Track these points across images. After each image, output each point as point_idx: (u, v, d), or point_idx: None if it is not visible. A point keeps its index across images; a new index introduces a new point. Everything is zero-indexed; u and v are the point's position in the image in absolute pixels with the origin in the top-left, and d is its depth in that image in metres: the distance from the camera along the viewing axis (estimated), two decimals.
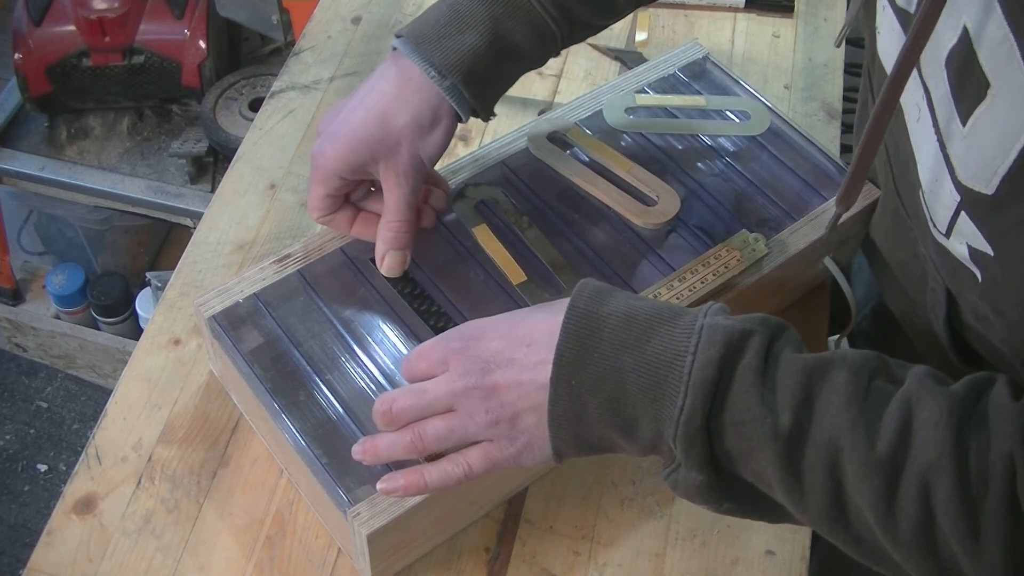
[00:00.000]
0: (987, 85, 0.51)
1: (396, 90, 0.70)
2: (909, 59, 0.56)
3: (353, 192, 0.75)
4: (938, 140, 0.58)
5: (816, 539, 0.74)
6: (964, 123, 0.54)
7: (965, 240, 0.59)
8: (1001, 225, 0.54)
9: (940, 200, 0.60)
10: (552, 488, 0.75)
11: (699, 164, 0.84)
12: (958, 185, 0.56)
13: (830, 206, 0.81)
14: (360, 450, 0.64)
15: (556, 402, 0.56)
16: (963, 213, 0.57)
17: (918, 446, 0.49)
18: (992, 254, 0.56)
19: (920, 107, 0.60)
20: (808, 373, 0.52)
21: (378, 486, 0.63)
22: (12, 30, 1.69)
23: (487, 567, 0.71)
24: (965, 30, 0.52)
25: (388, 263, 0.74)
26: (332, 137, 0.71)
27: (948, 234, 0.60)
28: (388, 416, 0.62)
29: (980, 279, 0.60)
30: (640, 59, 1.04)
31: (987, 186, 0.53)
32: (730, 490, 0.55)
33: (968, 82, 0.53)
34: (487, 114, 0.74)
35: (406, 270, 0.75)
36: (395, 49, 0.72)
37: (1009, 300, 0.57)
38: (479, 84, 0.71)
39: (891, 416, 0.50)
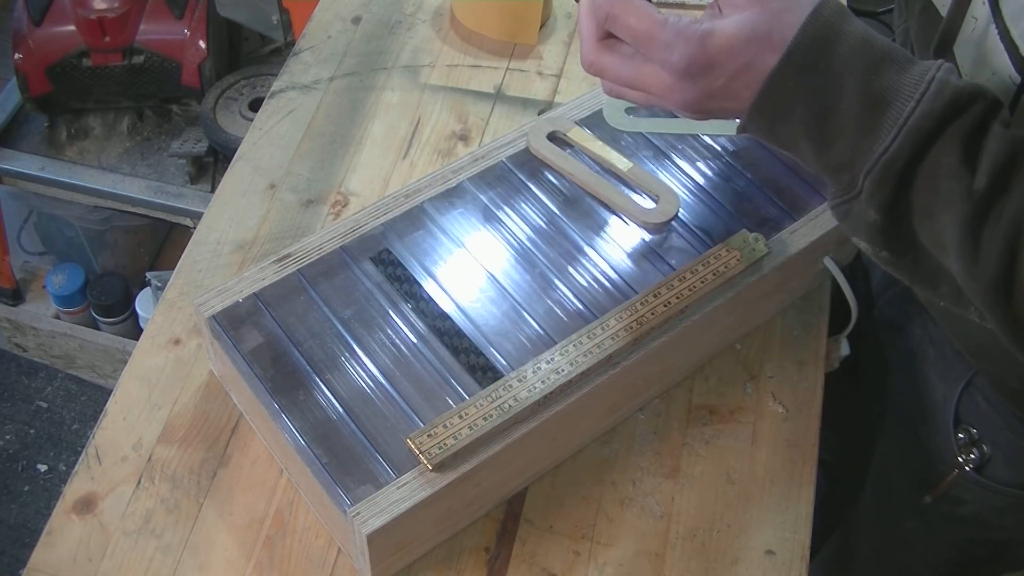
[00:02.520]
0: None
1: None
2: None
3: None
4: (998, 30, 0.58)
5: (816, 539, 0.74)
6: None
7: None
8: None
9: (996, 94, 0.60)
10: (552, 488, 0.75)
11: (699, 164, 0.84)
12: (1021, 63, 0.57)
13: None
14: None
15: (767, 92, 0.56)
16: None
17: None
18: None
19: (976, 16, 0.60)
20: (1016, 146, 0.53)
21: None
22: (12, 30, 1.69)
23: (487, 567, 0.71)
24: None
25: None
26: None
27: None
28: (593, 69, 0.61)
29: None
30: None
31: None
32: (895, 241, 0.57)
33: None
34: None
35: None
36: None
37: None
38: None
39: None
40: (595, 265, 0.77)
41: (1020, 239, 0.52)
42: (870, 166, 0.54)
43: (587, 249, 0.78)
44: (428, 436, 0.66)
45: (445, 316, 0.74)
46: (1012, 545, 0.88)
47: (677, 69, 0.58)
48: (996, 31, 0.59)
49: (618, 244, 0.78)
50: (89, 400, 1.87)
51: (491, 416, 0.67)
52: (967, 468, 0.80)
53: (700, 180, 0.83)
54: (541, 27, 1.07)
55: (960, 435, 0.80)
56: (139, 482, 0.74)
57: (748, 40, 0.56)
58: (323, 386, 0.70)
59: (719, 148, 0.86)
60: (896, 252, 0.57)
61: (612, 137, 0.85)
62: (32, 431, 1.84)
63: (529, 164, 0.83)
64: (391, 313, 0.74)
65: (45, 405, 1.87)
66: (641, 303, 0.73)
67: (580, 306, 0.74)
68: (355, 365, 0.71)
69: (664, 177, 0.82)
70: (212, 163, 1.72)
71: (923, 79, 0.54)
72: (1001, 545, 0.88)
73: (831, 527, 1.06)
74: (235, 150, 0.98)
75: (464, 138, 0.98)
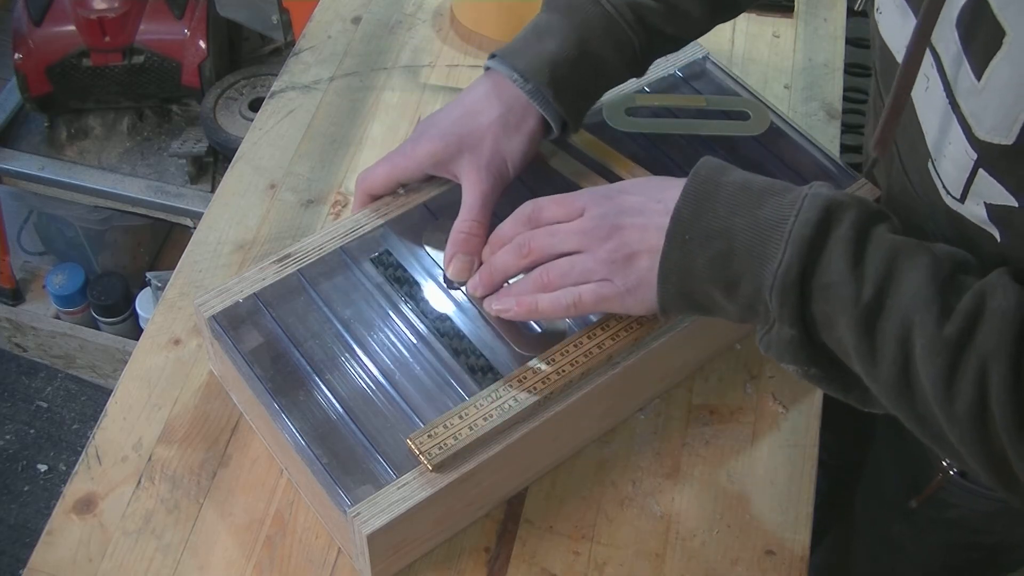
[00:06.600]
0: (1002, 34, 0.52)
1: (486, 94, 0.75)
2: (925, 30, 0.58)
3: None
4: (950, 103, 0.59)
5: (816, 539, 0.74)
6: (979, 78, 0.55)
7: (982, 200, 0.60)
8: None
9: (954, 164, 0.61)
10: (552, 488, 0.75)
11: None
12: (975, 142, 0.57)
13: None
14: (491, 294, 0.70)
15: (668, 254, 0.61)
16: (981, 171, 0.58)
17: (983, 332, 0.52)
18: (1016, 205, 0.57)
19: (928, 76, 0.61)
20: (897, 250, 0.56)
21: (493, 306, 0.70)
22: (12, 30, 1.69)
23: (487, 567, 0.71)
24: None
25: (454, 267, 0.73)
26: (423, 132, 0.76)
27: (963, 198, 0.61)
28: (524, 248, 0.68)
29: (1000, 238, 0.60)
30: None
31: (1007, 136, 0.54)
32: (816, 355, 0.60)
33: (981, 35, 0.54)
34: (575, 122, 0.77)
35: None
36: (487, 69, 0.77)
37: None
38: (562, 88, 0.74)
39: (965, 302, 0.53)
40: None
41: (910, 337, 0.54)
42: (770, 284, 0.58)
43: None
44: (428, 436, 0.66)
45: (445, 317, 0.74)
46: (1003, 548, 0.88)
47: (595, 192, 0.68)
48: (948, 103, 0.59)
49: None
50: (89, 400, 1.87)
51: (491, 416, 0.67)
52: (951, 472, 0.80)
53: None
54: None
55: None
56: (139, 482, 0.74)
57: (651, 178, 0.69)
58: (323, 386, 0.70)
59: (719, 148, 0.86)
60: (821, 366, 0.60)
61: (612, 137, 0.85)
62: (32, 431, 1.84)
63: (529, 164, 0.83)
64: (391, 314, 0.74)
65: (45, 405, 1.87)
66: None
67: None
68: (355, 365, 0.71)
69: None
70: (212, 163, 1.73)
71: (799, 197, 0.59)
72: (991, 549, 0.88)
73: (829, 527, 1.06)
74: (235, 150, 0.98)
75: None
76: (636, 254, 0.64)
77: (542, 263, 0.68)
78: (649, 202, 0.65)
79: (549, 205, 0.68)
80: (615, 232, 0.64)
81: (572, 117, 0.76)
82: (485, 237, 0.74)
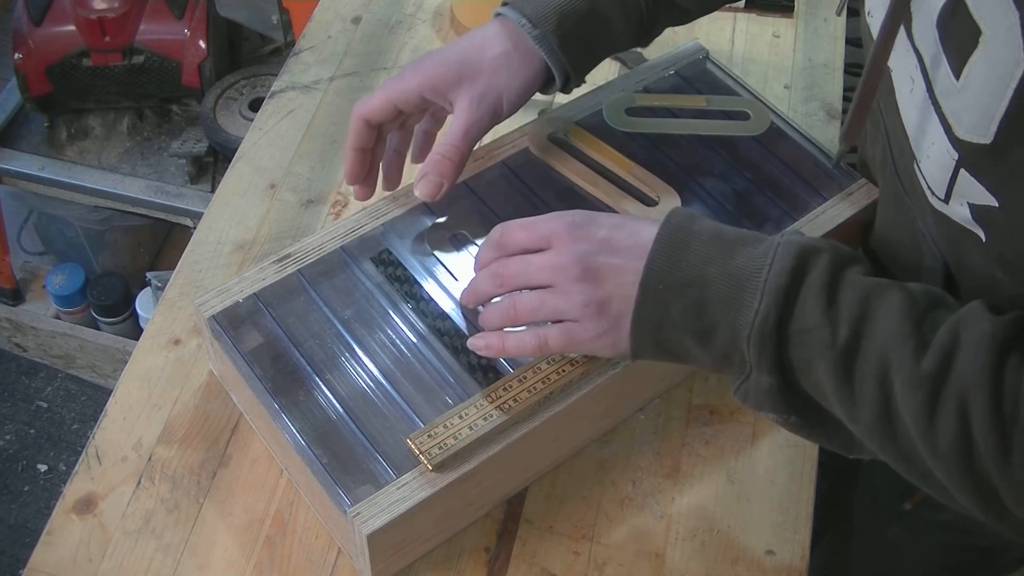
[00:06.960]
0: (978, 32, 0.53)
1: (495, 32, 0.76)
2: (896, 17, 0.59)
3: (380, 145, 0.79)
4: (932, 102, 0.59)
5: (816, 539, 0.74)
6: (958, 77, 0.55)
7: (966, 200, 0.60)
8: (1003, 172, 0.56)
9: (937, 164, 0.61)
10: (552, 488, 0.75)
11: (699, 164, 0.84)
12: (956, 142, 0.57)
13: (830, 205, 0.81)
14: (480, 329, 0.70)
15: (642, 304, 0.61)
16: (963, 171, 0.58)
17: (960, 364, 0.52)
18: (997, 204, 0.57)
19: (913, 77, 0.62)
20: (869, 290, 0.56)
21: (469, 342, 0.69)
22: (12, 30, 1.69)
23: (487, 567, 0.71)
24: None
25: (422, 187, 0.74)
26: (425, 58, 0.75)
27: (947, 199, 0.61)
28: (497, 278, 0.67)
29: (985, 238, 0.60)
30: (640, 59, 1.04)
31: (985, 135, 0.54)
32: (795, 402, 0.59)
33: (959, 34, 0.54)
34: (577, 75, 0.77)
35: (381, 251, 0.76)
36: (497, 15, 0.77)
37: (1019, 248, 0.59)
38: (568, 40, 0.75)
39: (940, 336, 0.53)
40: None
41: (888, 375, 0.54)
42: (747, 333, 0.58)
43: None
44: (428, 436, 0.66)
45: (445, 316, 0.74)
46: (998, 550, 0.88)
47: (564, 222, 0.65)
48: (930, 103, 0.59)
49: None
50: (89, 400, 1.87)
51: (491, 416, 0.67)
52: None
53: (700, 180, 0.83)
54: None
55: None
56: (139, 482, 0.74)
57: (625, 216, 0.68)
58: (323, 386, 0.70)
59: (719, 148, 0.86)
60: (800, 413, 0.60)
61: (612, 137, 0.85)
62: (32, 431, 1.84)
63: (529, 164, 0.83)
64: (391, 313, 0.74)
65: (45, 405, 1.87)
66: None
67: None
68: (355, 365, 0.71)
69: (664, 177, 0.82)
70: (212, 163, 1.73)
71: (772, 246, 0.59)
72: (987, 550, 0.88)
73: (828, 527, 1.06)
74: (235, 150, 0.98)
75: None
76: (609, 299, 0.63)
77: (518, 290, 0.67)
78: (622, 240, 0.63)
79: (516, 232, 0.67)
80: (588, 275, 0.63)
81: (575, 70, 0.76)
82: (461, 164, 0.74)
